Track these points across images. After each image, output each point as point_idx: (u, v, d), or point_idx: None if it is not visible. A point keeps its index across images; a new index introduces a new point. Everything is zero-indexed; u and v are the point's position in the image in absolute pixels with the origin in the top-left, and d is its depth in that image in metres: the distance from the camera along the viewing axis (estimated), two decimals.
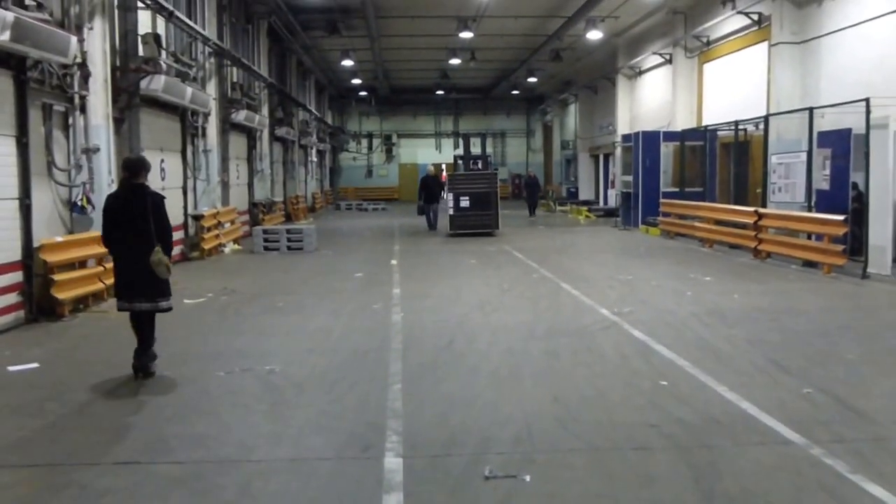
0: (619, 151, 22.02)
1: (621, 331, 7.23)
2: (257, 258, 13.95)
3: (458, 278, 10.96)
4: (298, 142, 26.05)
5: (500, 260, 12.95)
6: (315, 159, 31.18)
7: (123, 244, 5.70)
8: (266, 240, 14.74)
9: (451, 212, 16.84)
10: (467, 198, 16.78)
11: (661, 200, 17.39)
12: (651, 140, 18.10)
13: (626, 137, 19.97)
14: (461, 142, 22.16)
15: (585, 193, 28.90)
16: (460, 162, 22.68)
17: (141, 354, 5.76)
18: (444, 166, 24.51)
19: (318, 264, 12.48)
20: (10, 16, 7.22)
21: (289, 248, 14.58)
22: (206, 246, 13.72)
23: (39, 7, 8.27)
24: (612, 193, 25.49)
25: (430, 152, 39.68)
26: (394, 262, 12.89)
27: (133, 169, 5.88)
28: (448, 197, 16.89)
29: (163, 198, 5.91)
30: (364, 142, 40.01)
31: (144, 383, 5.69)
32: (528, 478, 3.84)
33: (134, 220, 5.64)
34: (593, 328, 7.35)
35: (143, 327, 5.76)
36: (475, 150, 24.50)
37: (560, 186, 32.89)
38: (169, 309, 5.87)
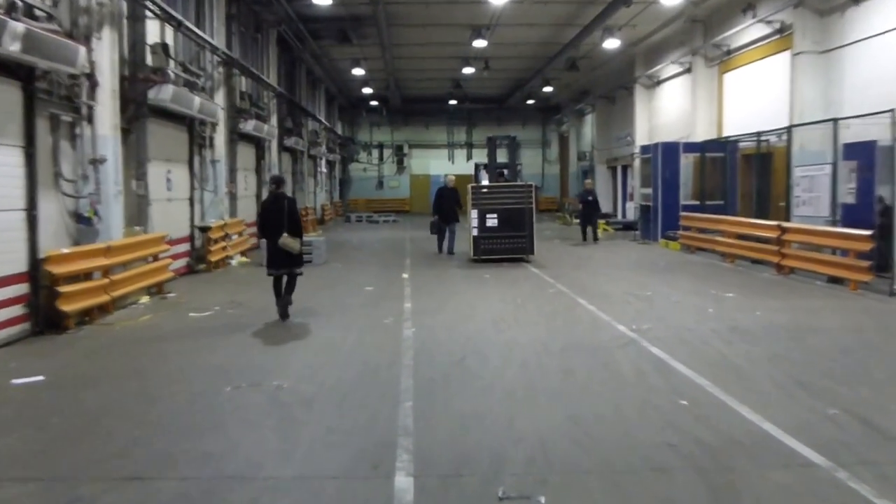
0: (637, 163, 21.98)
1: (639, 348, 7.20)
2: (265, 271, 13.97)
3: (472, 293, 10.96)
4: (308, 152, 26.21)
5: (514, 274, 12.93)
6: (324, 170, 31.34)
7: (272, 233, 8.74)
8: None
9: (474, 232, 14.51)
10: (495, 216, 14.46)
11: (681, 214, 17.33)
12: (670, 151, 18.10)
13: (644, 149, 19.96)
14: (487, 147, 19.12)
15: (603, 206, 28.91)
16: (483, 172, 21.31)
17: (284, 304, 8.82)
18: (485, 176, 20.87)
19: (328, 277, 12.53)
20: (20, 27, 7.38)
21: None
22: (213, 258, 13.80)
23: (49, 18, 8.45)
24: (630, 206, 25.45)
25: (443, 163, 39.79)
26: (405, 275, 12.92)
27: (278, 182, 9.13)
28: (471, 215, 14.58)
29: (295, 200, 9.22)
30: (375, 152, 40.21)
31: (154, 396, 5.76)
32: (542, 499, 3.84)
33: (277, 216, 8.69)
34: (610, 345, 7.33)
35: (282, 287, 8.84)
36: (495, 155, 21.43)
37: (576, 199, 32.91)
38: (301, 273, 9.01)
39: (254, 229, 18.40)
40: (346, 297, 10.56)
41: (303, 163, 25.52)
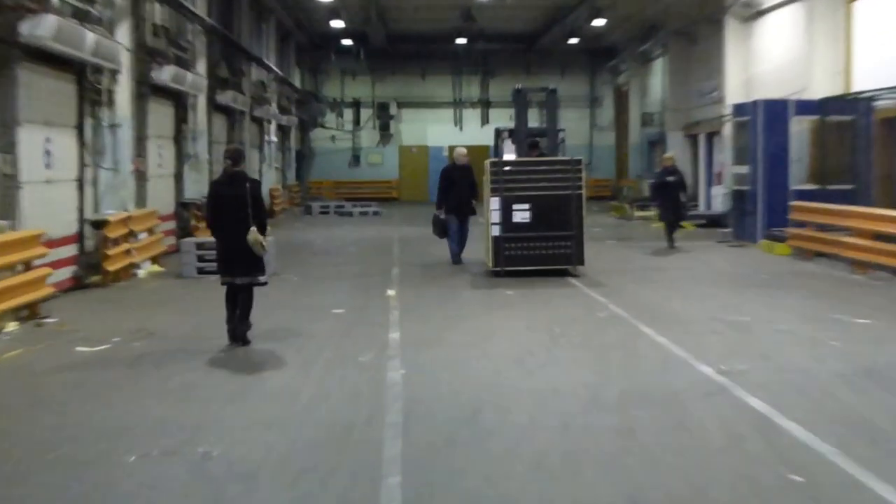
0: (728, 130, 21.94)
1: (731, 398, 7.22)
2: (187, 286, 14.03)
3: (487, 317, 10.95)
4: (251, 113, 26.32)
5: (549, 290, 12.96)
6: (275, 139, 31.42)
7: (226, 226, 9.26)
8: (201, 258, 14.85)
9: (494, 231, 14.29)
10: (526, 207, 14.25)
11: (792, 203, 17.37)
12: (776, 113, 18.10)
13: (738, 109, 20.00)
14: (513, 106, 18.15)
15: None
16: (507, 141, 20.79)
17: (239, 323, 9.33)
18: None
19: (279, 295, 12.52)
20: None
21: None
22: (112, 266, 13.81)
23: None
24: (717, 192, 25.39)
25: (447, 130, 39.90)
26: (391, 292, 12.95)
27: (234, 157, 9.55)
28: (490, 206, 14.34)
29: (259, 182, 9.65)
30: (348, 114, 40.34)
31: (16, 472, 5.73)
32: None
33: (234, 204, 9.15)
34: (689, 394, 7.36)
35: (237, 300, 9.39)
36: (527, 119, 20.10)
37: (639, 182, 32.88)
38: (265, 283, 9.62)
39: (172, 223, 18.49)
40: (305, 324, 10.57)
41: (243, 128, 25.60)
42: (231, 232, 9.26)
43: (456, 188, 15.96)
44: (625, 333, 9.85)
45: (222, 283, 9.55)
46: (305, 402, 7.27)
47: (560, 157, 16.27)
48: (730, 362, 8.37)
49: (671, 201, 18.61)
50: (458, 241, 16.16)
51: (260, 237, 9.21)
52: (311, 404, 7.20)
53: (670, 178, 18.60)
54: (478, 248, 16.08)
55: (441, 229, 16.18)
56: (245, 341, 9.36)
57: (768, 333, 9.78)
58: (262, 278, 9.50)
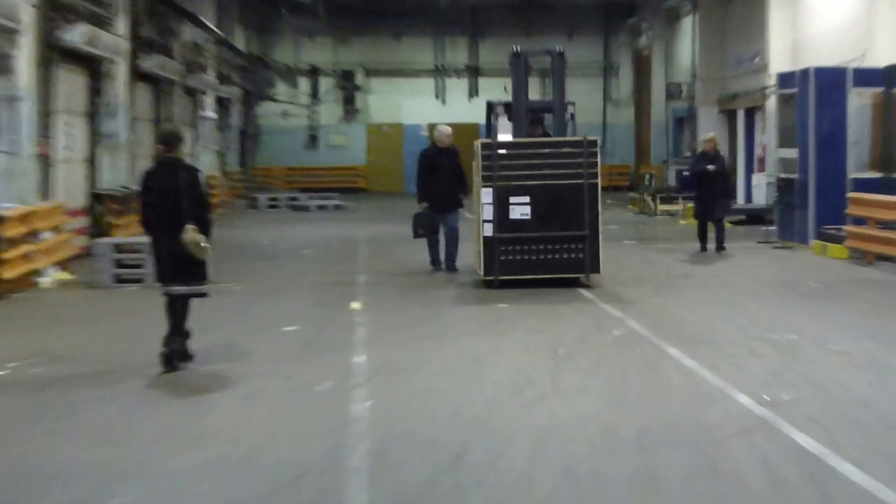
0: (772, 105, 21.99)
1: (775, 435, 7.22)
2: (103, 297, 14.01)
3: (476, 336, 10.97)
4: (183, 83, 26.25)
5: (552, 302, 13.01)
6: (213, 115, 31.30)
7: (159, 225, 9.37)
8: (120, 263, 14.83)
9: (486, 230, 14.35)
10: (526, 200, 14.27)
11: (851, 195, 17.45)
12: (831, 84, 18.16)
13: (784, 79, 20.08)
14: (511, 72, 17.28)
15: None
16: (502, 117, 20.32)
17: (169, 340, 9.33)
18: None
19: (216, 310, 12.41)
20: None
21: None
22: (8, 274, 13.76)
23: None
24: (759, 182, 25.43)
25: (427, 104, 39.86)
26: (356, 305, 12.98)
27: (168, 141, 9.64)
28: (482, 198, 14.42)
29: (198, 171, 9.70)
30: (304, 84, 40.24)
31: None
32: None
33: (168, 198, 9.23)
34: (723, 431, 7.35)
35: (177, 312, 9.46)
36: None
37: (664, 168, 32.95)
38: (205, 294, 9.67)
39: (84, 220, 18.37)
40: (248, 346, 10.57)
41: (172, 101, 25.50)
42: (165, 232, 9.32)
43: (438, 176, 15.94)
44: (645, 356, 9.86)
45: (164, 294, 9.63)
46: (248, 443, 7.21)
47: (570, 138, 15.85)
48: (774, 391, 8.38)
49: (711, 195, 18.29)
50: (446, 243, 16.11)
51: (198, 237, 9.23)
52: (255, 446, 7.14)
53: (710, 167, 18.27)
54: (466, 252, 16.04)
55: (426, 228, 16.12)
56: (183, 358, 9.46)
57: (820, 355, 9.80)
58: (201, 288, 9.57)
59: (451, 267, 16.00)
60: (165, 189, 9.31)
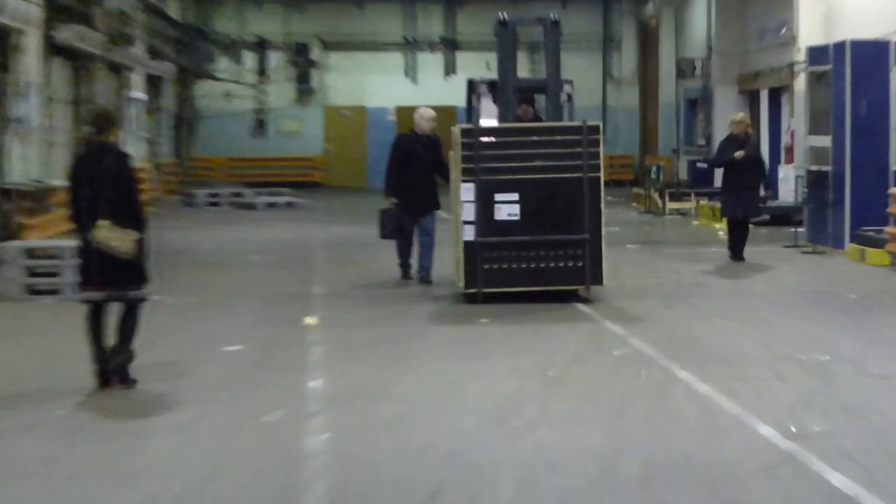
0: (801, 84, 22.23)
1: (803, 472, 7.28)
2: (10, 311, 14.17)
3: (453, 356, 11.16)
4: (106, 58, 26.22)
5: (542, 317, 13.18)
6: (142, 96, 31.24)
7: (86, 219, 9.51)
8: (33, 271, 14.99)
9: (467, 234, 14.35)
10: (515, 197, 14.26)
11: (893, 191, 17.69)
12: (870, 60, 18.36)
13: (815, 54, 20.20)
14: (497, 44, 17.02)
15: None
16: (484, 98, 20.20)
17: (114, 353, 9.63)
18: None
19: (146, 324, 12.42)
20: None
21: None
22: None
23: None
24: (787, 175, 25.60)
25: (394, 83, 39.70)
26: (311, 320, 13.15)
27: (98, 123, 9.78)
28: (461, 195, 14.39)
29: (127, 156, 9.90)
30: (250, 60, 40.15)
31: None
32: None
33: (94, 188, 9.48)
34: (743, 467, 7.39)
35: (102, 325, 9.70)
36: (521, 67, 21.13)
37: (674, 159, 33.11)
38: (140, 300, 9.79)
39: None
40: (184, 368, 10.69)
41: (94, 79, 25.51)
42: (89, 226, 9.50)
43: (413, 170, 15.92)
44: (650, 379, 9.96)
45: (81, 301, 9.83)
46: (184, 481, 7.24)
47: (567, 124, 16.01)
48: (802, 421, 8.43)
49: (743, 189, 18.14)
50: (421, 247, 16.10)
51: (112, 234, 9.39)
52: (192, 485, 7.17)
53: (738, 154, 17.94)
54: (441, 258, 16.04)
55: (393, 228, 16.04)
56: (125, 380, 9.67)
57: (856, 379, 9.91)
58: (135, 292, 9.74)
59: (426, 278, 16.00)
60: (94, 178, 9.52)
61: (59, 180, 21.64)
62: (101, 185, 9.45)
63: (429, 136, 16.22)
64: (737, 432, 8.33)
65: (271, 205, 30.68)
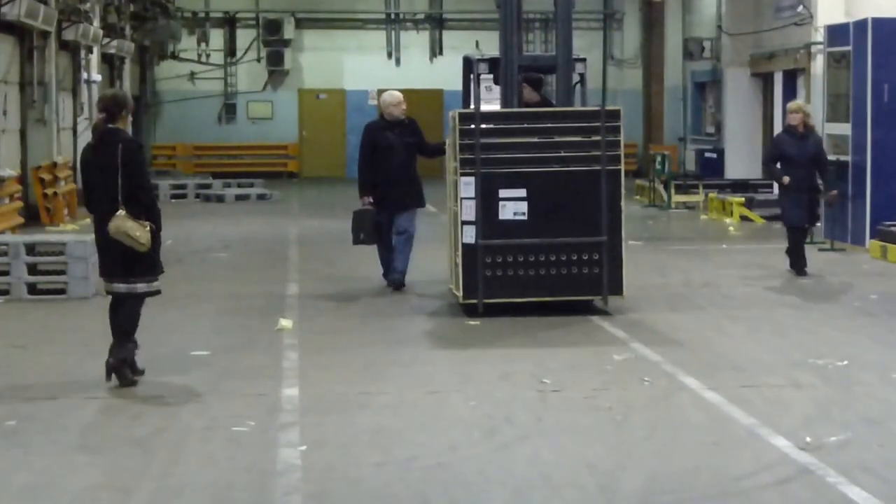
0: (819, 66, 22.12)
1: (819, 487, 7.24)
2: None
3: (439, 362, 11.03)
4: (58, 36, 26.14)
5: (533, 317, 13.07)
6: (98, 77, 31.11)
7: (98, 209, 10.00)
8: (32, 268, 15.05)
9: (467, 237, 13.79)
10: (522, 193, 13.78)
11: None
12: (893, 40, 18.32)
13: (834, 33, 20.19)
14: (500, 17, 15.96)
15: (740, 166, 29.24)
16: (483, 80, 19.48)
17: (114, 348, 9.95)
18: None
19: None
20: None
21: (35, 288, 14.97)
22: None
23: None
24: None
25: (375, 64, 39.83)
26: (285, 323, 12.99)
27: (109, 109, 9.96)
28: (460, 191, 13.80)
29: (139, 145, 10.37)
30: (216, 38, 40.13)
31: None
32: None
33: (106, 178, 9.79)
34: (754, 482, 7.36)
35: (116, 316, 10.14)
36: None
37: (681, 148, 33.04)
38: (145, 294, 10.18)
39: None
40: (146, 373, 10.51)
41: (44, 59, 25.43)
42: (102, 217, 9.87)
43: (384, 160, 15.23)
44: (654, 387, 9.90)
45: (106, 293, 10.38)
46: (144, 498, 7.17)
47: (581, 108, 15.15)
48: (818, 431, 8.39)
49: (808, 191, 16.72)
50: (397, 251, 15.34)
51: (129, 224, 9.63)
52: (154, 503, 7.12)
53: (792, 148, 16.57)
54: (434, 260, 15.98)
55: (369, 232, 15.16)
56: (122, 379, 9.85)
57: (877, 386, 9.87)
58: (141, 286, 10.06)
59: (396, 281, 15.24)
60: (102, 166, 9.84)
61: (9, 171, 21.49)
62: (111, 173, 9.71)
63: (402, 122, 15.48)
64: (748, 444, 8.28)
65: (241, 197, 30.67)
